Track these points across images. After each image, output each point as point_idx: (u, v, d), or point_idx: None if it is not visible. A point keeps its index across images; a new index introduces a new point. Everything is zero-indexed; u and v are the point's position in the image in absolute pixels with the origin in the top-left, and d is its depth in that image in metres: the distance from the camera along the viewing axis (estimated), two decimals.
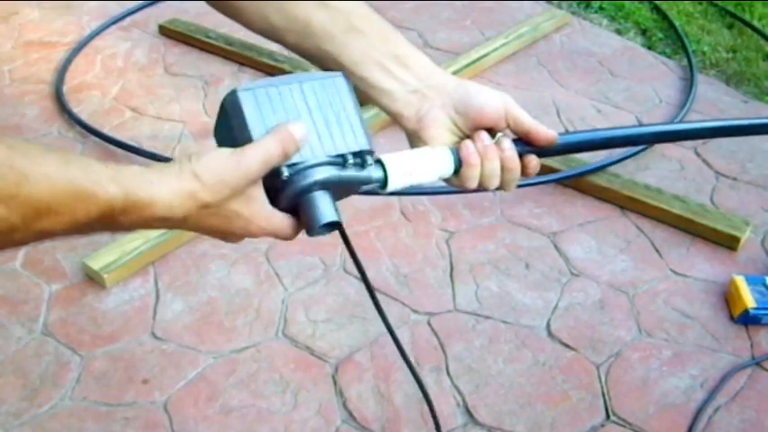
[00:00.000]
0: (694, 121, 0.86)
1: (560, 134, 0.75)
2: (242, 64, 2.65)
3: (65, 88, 2.48)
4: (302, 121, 0.64)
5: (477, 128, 0.73)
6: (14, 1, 3.07)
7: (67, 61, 2.63)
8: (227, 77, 2.59)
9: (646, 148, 2.19)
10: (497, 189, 0.74)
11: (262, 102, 0.64)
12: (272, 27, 0.74)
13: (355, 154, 0.67)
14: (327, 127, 0.66)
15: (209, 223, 0.62)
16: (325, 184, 0.66)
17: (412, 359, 1.56)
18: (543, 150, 0.75)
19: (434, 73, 0.74)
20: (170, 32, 2.84)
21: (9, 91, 2.49)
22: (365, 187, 0.69)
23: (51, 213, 0.52)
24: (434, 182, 0.73)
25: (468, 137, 0.73)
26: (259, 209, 0.63)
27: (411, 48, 0.74)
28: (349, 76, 0.70)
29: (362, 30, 0.72)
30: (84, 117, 2.32)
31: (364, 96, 0.73)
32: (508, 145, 0.72)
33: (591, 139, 0.78)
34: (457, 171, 0.72)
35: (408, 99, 0.73)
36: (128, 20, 2.97)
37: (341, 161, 0.66)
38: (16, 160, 0.51)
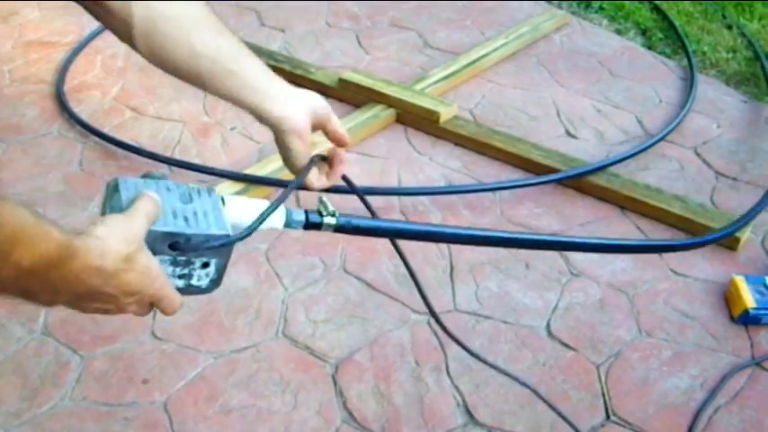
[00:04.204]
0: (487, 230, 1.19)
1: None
2: None
3: (65, 88, 2.48)
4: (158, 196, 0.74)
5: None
6: (14, 1, 3.07)
7: (68, 61, 2.63)
8: None
9: (647, 148, 2.19)
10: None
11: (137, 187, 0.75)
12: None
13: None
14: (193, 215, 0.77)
15: (128, 279, 0.70)
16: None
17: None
18: None
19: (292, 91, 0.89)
20: None
21: (9, 91, 2.49)
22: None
23: (21, 245, 0.59)
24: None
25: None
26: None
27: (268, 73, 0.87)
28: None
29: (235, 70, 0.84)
30: (84, 117, 2.32)
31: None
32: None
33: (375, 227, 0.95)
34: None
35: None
36: None
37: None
38: None
